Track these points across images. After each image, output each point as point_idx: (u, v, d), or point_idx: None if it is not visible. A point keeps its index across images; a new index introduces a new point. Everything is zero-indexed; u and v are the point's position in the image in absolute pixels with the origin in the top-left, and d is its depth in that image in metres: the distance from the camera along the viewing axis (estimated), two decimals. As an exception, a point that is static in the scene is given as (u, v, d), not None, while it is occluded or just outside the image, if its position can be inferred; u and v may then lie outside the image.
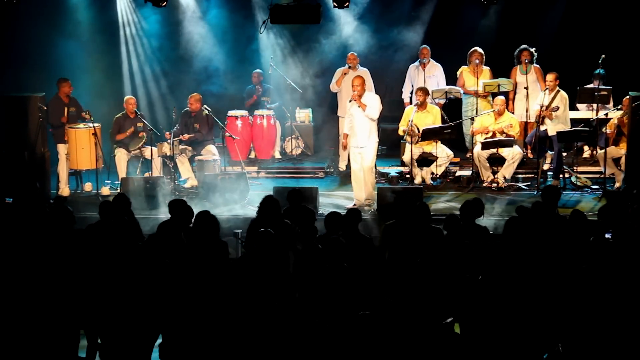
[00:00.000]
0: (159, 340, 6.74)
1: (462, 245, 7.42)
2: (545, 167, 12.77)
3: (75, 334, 6.75)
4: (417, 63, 13.76)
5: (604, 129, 12.58)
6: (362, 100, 11.16)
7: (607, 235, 7.78)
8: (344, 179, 13.03)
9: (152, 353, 6.73)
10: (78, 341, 6.82)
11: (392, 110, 14.53)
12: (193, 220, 7.89)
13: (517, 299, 6.50)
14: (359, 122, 11.21)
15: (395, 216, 8.24)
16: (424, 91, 12.61)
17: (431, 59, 13.68)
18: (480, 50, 13.25)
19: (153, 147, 12.50)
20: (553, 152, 12.48)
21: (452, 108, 13.67)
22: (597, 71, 13.30)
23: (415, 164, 12.37)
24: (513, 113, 13.03)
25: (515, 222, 7.74)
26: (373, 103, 11.21)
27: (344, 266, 6.83)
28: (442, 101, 13.27)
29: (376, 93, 13.96)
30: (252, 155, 14.20)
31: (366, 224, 10.13)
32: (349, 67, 13.38)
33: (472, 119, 12.85)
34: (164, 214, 10.16)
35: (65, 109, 12.34)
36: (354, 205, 11.34)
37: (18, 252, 7.38)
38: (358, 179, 11.43)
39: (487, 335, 6.38)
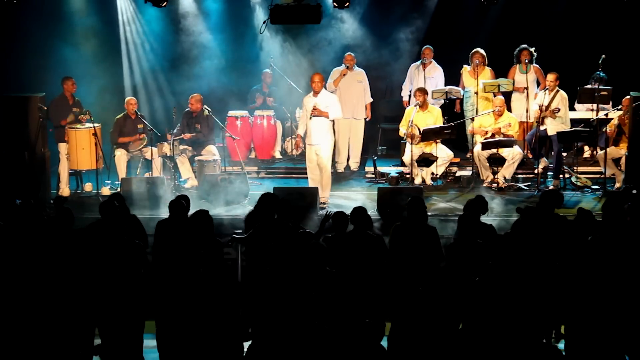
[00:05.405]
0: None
1: (474, 245, 7.44)
2: (540, 166, 12.70)
3: (85, 332, 6.76)
4: (418, 63, 13.73)
5: (604, 129, 12.58)
6: (320, 98, 11.44)
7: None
8: (344, 179, 13.12)
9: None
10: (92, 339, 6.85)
11: (392, 111, 14.53)
12: (190, 217, 7.94)
13: (521, 299, 6.51)
14: (315, 120, 11.43)
15: (403, 217, 8.25)
16: (423, 92, 12.58)
17: (432, 60, 13.64)
18: (481, 51, 13.22)
19: (153, 148, 12.50)
20: (552, 153, 12.47)
21: (452, 108, 13.68)
22: (597, 74, 13.26)
23: (416, 164, 12.38)
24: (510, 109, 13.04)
25: (522, 224, 7.77)
26: (334, 104, 11.52)
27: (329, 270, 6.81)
28: (441, 101, 13.27)
29: (376, 93, 14.11)
30: (252, 155, 14.19)
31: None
32: (347, 67, 13.37)
33: (472, 119, 12.85)
34: (164, 214, 10.15)
35: (71, 114, 12.34)
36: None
37: (25, 252, 7.38)
38: (314, 176, 11.60)
39: (490, 336, 6.39)
